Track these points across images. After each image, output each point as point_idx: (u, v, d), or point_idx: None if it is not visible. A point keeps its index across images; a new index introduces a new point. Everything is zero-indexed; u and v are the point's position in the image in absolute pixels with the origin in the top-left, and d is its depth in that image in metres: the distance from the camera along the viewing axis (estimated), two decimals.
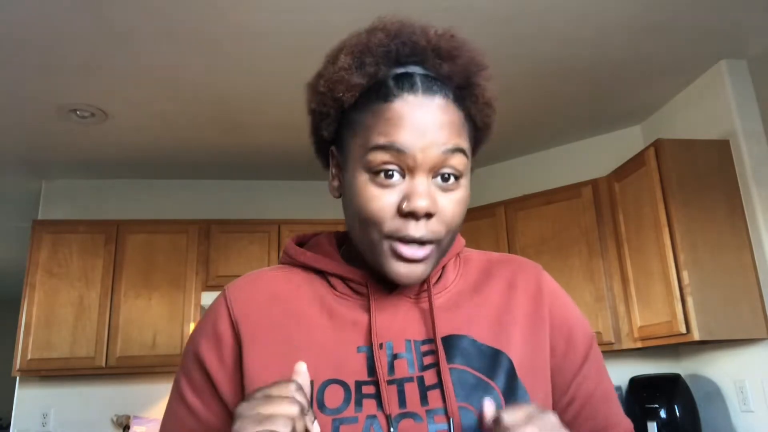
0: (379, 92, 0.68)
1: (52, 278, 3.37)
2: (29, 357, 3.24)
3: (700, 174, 2.64)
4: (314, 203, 3.81)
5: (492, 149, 3.66)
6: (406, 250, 0.67)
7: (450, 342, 0.71)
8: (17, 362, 3.23)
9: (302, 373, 0.61)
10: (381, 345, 0.70)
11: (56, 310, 3.32)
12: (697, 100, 2.95)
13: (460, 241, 0.81)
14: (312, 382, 0.67)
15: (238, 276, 0.79)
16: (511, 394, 0.69)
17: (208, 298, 3.40)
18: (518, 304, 0.76)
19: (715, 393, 2.76)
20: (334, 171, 0.76)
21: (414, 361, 0.69)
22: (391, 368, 0.69)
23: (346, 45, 0.71)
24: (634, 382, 2.87)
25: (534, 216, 3.24)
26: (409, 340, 0.71)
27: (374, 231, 0.67)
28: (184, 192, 3.97)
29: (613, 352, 3.02)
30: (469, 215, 3.55)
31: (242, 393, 0.69)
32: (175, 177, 3.95)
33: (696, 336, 2.43)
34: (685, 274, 2.49)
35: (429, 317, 0.72)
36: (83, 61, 2.55)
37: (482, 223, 3.40)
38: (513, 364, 0.71)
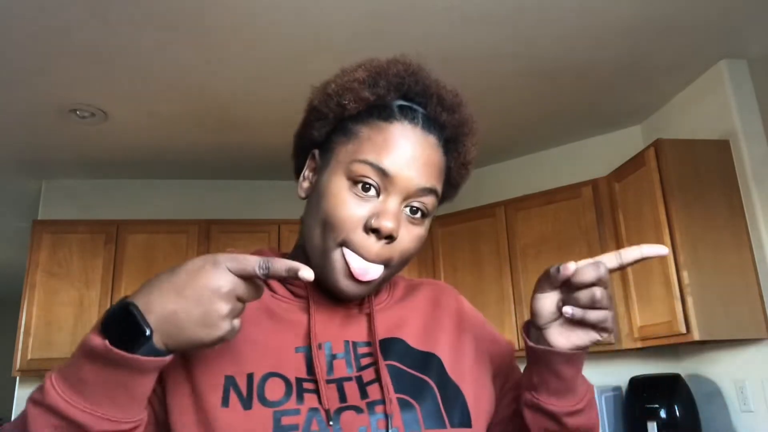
0: (381, 112, 0.72)
1: (52, 278, 3.37)
2: (29, 357, 3.23)
3: (700, 174, 2.64)
4: None
5: (492, 149, 3.66)
6: (358, 270, 0.68)
7: (385, 344, 0.74)
8: (17, 362, 3.23)
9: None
10: (320, 345, 0.71)
11: (56, 310, 3.32)
12: (697, 100, 2.95)
13: None
14: (252, 375, 0.67)
15: None
16: (444, 387, 0.72)
17: None
18: (443, 318, 0.81)
19: (715, 393, 2.76)
20: (307, 173, 0.80)
21: (352, 362, 0.71)
22: (330, 368, 0.70)
23: (364, 63, 0.75)
24: (634, 382, 2.86)
25: (534, 216, 3.24)
26: (348, 341, 0.73)
27: (331, 238, 0.69)
28: (184, 192, 3.97)
29: (612, 352, 3.02)
30: (469, 215, 3.57)
31: (165, 383, 0.66)
32: (175, 177, 3.95)
33: (696, 336, 2.42)
34: (685, 274, 2.49)
35: (366, 320, 0.75)
36: (83, 61, 2.55)
37: (482, 223, 3.40)
38: (443, 363, 0.75)
